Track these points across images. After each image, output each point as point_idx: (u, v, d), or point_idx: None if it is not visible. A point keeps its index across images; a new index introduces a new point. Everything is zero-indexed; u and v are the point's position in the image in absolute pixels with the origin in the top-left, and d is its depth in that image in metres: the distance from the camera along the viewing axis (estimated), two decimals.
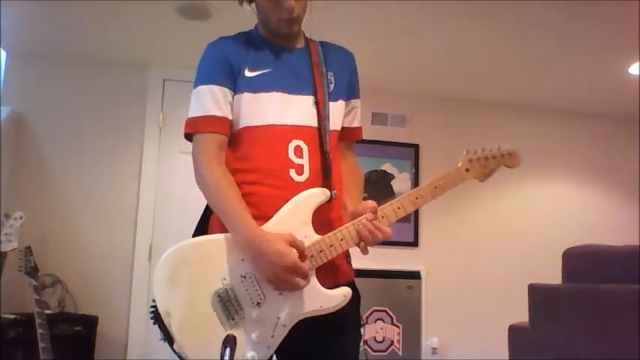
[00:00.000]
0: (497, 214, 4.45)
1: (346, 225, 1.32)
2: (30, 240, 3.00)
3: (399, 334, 3.99)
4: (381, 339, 3.96)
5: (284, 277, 1.22)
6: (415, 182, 4.26)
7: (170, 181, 3.82)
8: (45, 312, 2.73)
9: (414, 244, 4.24)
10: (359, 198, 1.49)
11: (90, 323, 3.28)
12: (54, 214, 3.65)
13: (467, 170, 1.39)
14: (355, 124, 1.56)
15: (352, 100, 1.54)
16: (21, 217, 2.82)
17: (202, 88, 1.40)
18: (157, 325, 1.29)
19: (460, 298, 4.20)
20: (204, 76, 1.42)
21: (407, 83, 4.23)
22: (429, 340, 4.07)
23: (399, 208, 1.35)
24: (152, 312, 1.29)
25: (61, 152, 3.73)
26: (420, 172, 4.31)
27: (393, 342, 3.98)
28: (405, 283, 4.07)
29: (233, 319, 1.25)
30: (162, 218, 3.79)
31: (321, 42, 1.55)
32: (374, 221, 1.30)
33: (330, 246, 1.29)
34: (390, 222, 1.33)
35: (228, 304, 1.25)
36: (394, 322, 4.00)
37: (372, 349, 3.93)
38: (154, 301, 1.28)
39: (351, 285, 1.36)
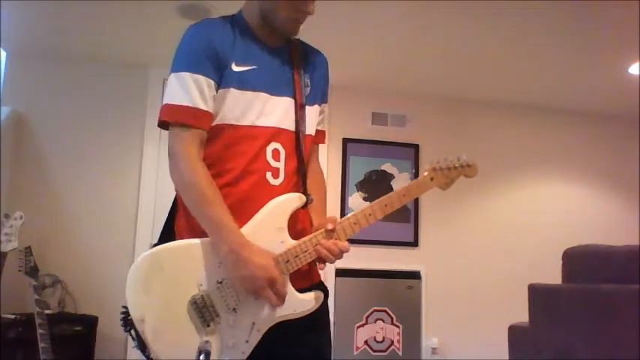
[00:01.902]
0: (497, 214, 4.45)
1: (320, 231, 1.32)
2: (30, 240, 3.00)
3: (399, 334, 3.99)
4: (381, 339, 3.96)
5: (263, 292, 1.22)
6: None
7: (170, 181, 3.79)
8: (45, 312, 2.72)
9: (414, 244, 4.24)
10: (323, 212, 1.49)
11: (90, 323, 3.29)
12: (54, 214, 3.65)
13: (431, 179, 1.45)
14: (320, 128, 1.55)
15: (323, 105, 1.54)
16: (21, 217, 2.82)
17: (186, 75, 1.32)
18: (129, 333, 1.26)
19: (460, 298, 4.19)
20: (189, 62, 1.33)
21: (407, 83, 4.23)
22: (429, 340, 4.07)
23: (369, 214, 1.36)
24: (123, 318, 1.26)
25: (61, 152, 3.73)
26: (419, 172, 4.31)
27: (393, 342, 3.98)
28: (405, 283, 4.07)
29: (208, 325, 1.23)
30: (162, 218, 3.75)
31: (300, 41, 1.53)
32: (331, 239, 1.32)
33: (305, 251, 1.30)
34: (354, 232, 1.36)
35: (203, 310, 1.23)
36: (394, 322, 4.00)
37: (372, 349, 3.93)
38: (125, 307, 1.25)
39: (321, 284, 1.40)
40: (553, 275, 2.77)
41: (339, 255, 1.33)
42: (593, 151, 4.71)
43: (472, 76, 4.06)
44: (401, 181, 4.24)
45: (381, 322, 3.97)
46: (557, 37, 3.38)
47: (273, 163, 1.34)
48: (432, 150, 4.34)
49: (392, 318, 4.00)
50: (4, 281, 2.75)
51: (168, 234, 1.37)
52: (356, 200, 4.07)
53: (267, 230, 1.29)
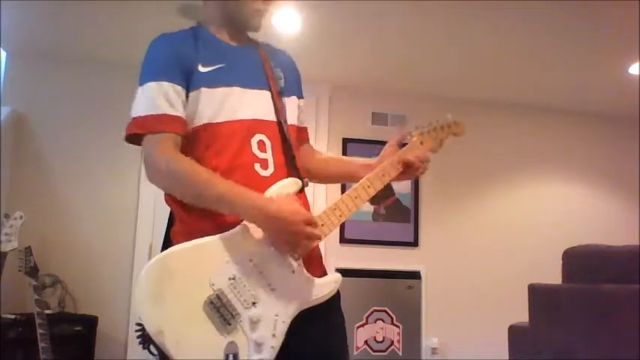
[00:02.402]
0: (497, 215, 4.45)
1: (324, 210, 1.31)
2: (30, 240, 3.00)
3: (399, 334, 3.99)
4: (381, 339, 3.96)
5: (304, 231, 1.20)
6: (415, 181, 4.26)
7: None
8: (45, 312, 2.72)
9: (414, 244, 4.24)
10: (352, 160, 1.56)
11: (90, 323, 3.29)
12: (54, 214, 3.65)
13: (421, 143, 1.48)
14: (304, 125, 1.56)
15: (300, 100, 1.54)
16: (21, 217, 2.82)
17: (151, 84, 1.30)
18: (148, 349, 1.22)
19: (460, 298, 4.20)
20: (152, 72, 1.32)
21: (407, 83, 4.23)
22: (429, 340, 4.07)
23: (383, 175, 1.41)
24: (139, 335, 1.20)
25: (61, 152, 3.73)
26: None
27: (393, 342, 3.98)
28: (405, 283, 4.07)
29: (229, 324, 1.18)
30: (162, 218, 3.74)
31: (262, 42, 1.54)
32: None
33: (322, 224, 1.29)
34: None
35: (221, 310, 1.18)
36: (394, 322, 4.00)
37: (372, 349, 3.93)
38: (139, 324, 1.20)
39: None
40: (553, 275, 2.77)
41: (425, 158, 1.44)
42: (593, 151, 4.71)
43: (472, 76, 4.06)
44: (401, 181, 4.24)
45: (381, 322, 3.97)
46: (557, 37, 3.38)
47: (260, 155, 1.32)
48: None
49: (392, 318, 4.00)
50: (4, 281, 2.75)
51: (167, 244, 1.34)
52: None
53: None
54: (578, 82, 4.11)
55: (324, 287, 1.28)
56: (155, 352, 1.19)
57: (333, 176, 1.60)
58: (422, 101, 4.43)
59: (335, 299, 1.34)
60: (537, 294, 2.75)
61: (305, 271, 1.27)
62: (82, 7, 3.11)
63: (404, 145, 1.49)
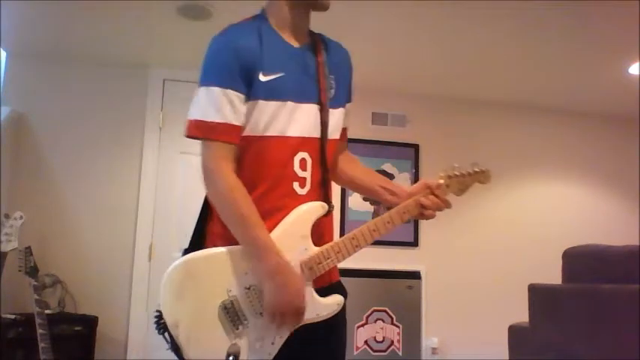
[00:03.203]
0: (497, 215, 4.45)
1: (343, 237, 1.37)
2: (30, 240, 3.00)
3: (399, 334, 3.99)
4: (381, 339, 3.96)
5: (288, 318, 1.27)
6: (415, 182, 4.25)
7: (170, 181, 3.82)
8: (45, 312, 2.72)
9: (414, 244, 4.24)
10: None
11: (90, 323, 3.29)
12: (54, 214, 3.65)
13: (447, 186, 1.52)
14: (344, 125, 1.58)
15: (348, 105, 1.56)
16: (21, 217, 2.82)
17: (217, 90, 1.32)
18: (163, 335, 1.32)
19: (460, 298, 4.20)
20: (219, 76, 1.34)
21: (407, 83, 4.23)
22: (429, 340, 4.07)
23: (404, 212, 1.44)
24: (157, 322, 1.31)
25: (61, 152, 3.73)
26: (420, 172, 4.31)
27: (393, 342, 3.98)
28: (405, 283, 4.07)
29: (237, 328, 1.29)
30: (162, 218, 3.80)
31: (321, 37, 1.53)
32: (434, 193, 1.46)
33: (328, 258, 1.34)
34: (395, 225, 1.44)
35: (233, 315, 1.29)
36: (394, 322, 4.00)
37: (372, 349, 3.93)
38: (158, 312, 1.31)
39: (339, 283, 1.45)
40: (553, 275, 2.77)
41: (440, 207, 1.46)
42: (593, 151, 4.71)
43: (472, 76, 4.06)
44: (401, 181, 4.24)
45: (381, 322, 3.97)
46: (557, 37, 3.38)
47: (300, 173, 1.37)
48: (432, 150, 4.34)
49: (392, 318, 4.00)
50: (4, 281, 2.75)
51: (200, 239, 1.39)
52: (356, 200, 4.07)
53: (292, 238, 1.33)
54: (578, 82, 4.11)
55: (327, 307, 1.35)
56: (169, 339, 1.30)
57: (352, 184, 1.65)
58: (422, 101, 4.43)
59: (338, 320, 1.40)
60: (537, 294, 2.75)
61: (313, 290, 1.33)
62: (82, 7, 3.11)
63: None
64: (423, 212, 1.45)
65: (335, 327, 1.41)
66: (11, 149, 3.55)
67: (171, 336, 1.29)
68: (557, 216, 4.51)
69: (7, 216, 2.81)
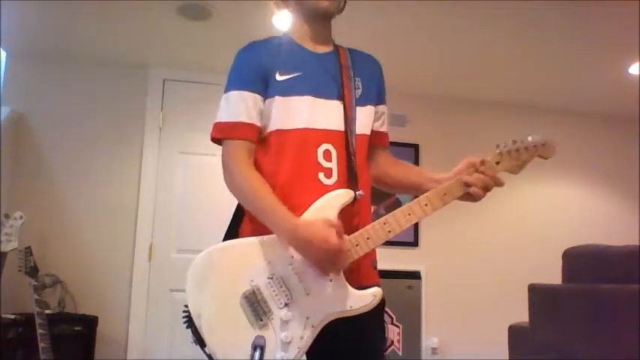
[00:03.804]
0: (497, 214, 4.45)
1: (372, 224, 1.34)
2: (30, 240, 3.00)
3: (399, 334, 3.99)
4: None
5: (331, 259, 1.25)
6: None
7: (170, 181, 3.82)
8: (45, 312, 2.73)
9: (414, 244, 4.24)
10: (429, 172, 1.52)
11: (90, 323, 3.29)
12: (54, 214, 3.65)
13: (497, 163, 1.41)
14: (383, 129, 1.57)
15: (380, 106, 1.55)
16: (21, 217, 2.82)
17: (233, 93, 1.41)
18: (190, 329, 1.31)
19: (460, 298, 4.20)
20: (236, 82, 1.42)
21: (407, 83, 4.22)
22: (429, 340, 4.07)
23: (445, 194, 1.37)
24: (185, 316, 1.31)
25: (61, 152, 3.73)
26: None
27: (393, 342, 3.98)
28: (405, 283, 4.07)
29: (261, 319, 1.26)
30: (162, 218, 3.79)
31: (349, 48, 1.59)
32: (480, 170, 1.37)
33: (357, 245, 1.31)
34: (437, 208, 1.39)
35: (256, 305, 1.27)
36: (394, 322, 4.00)
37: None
38: (186, 306, 1.31)
39: (379, 286, 1.40)
40: (553, 275, 2.77)
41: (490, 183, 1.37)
42: (593, 151, 4.71)
43: (472, 76, 4.06)
44: None
45: None
46: (557, 37, 3.38)
47: (325, 164, 1.37)
48: (432, 150, 4.34)
49: (392, 318, 4.00)
50: (4, 281, 2.75)
51: (231, 236, 1.42)
52: None
53: None
54: (578, 82, 4.11)
55: (361, 299, 1.30)
56: (194, 332, 1.29)
57: (398, 185, 1.60)
58: (422, 101, 4.43)
59: (376, 313, 1.35)
60: (537, 294, 2.75)
61: (344, 280, 1.30)
62: (82, 7, 3.11)
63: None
64: (468, 191, 1.35)
65: (371, 323, 1.36)
66: (11, 149, 3.55)
67: (196, 328, 1.28)
68: (557, 216, 4.51)
69: (7, 216, 2.82)
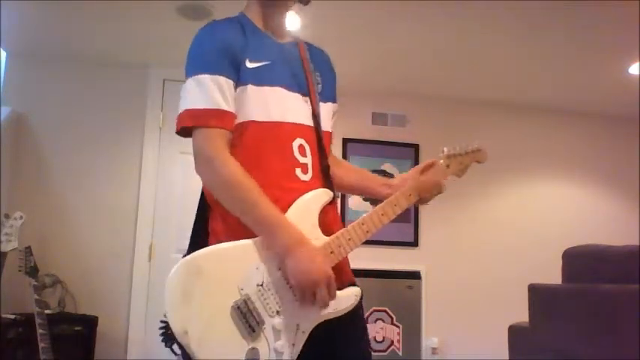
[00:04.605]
0: (497, 214, 4.45)
1: (353, 224, 1.32)
2: (30, 240, 3.00)
3: (399, 334, 3.99)
4: (381, 339, 3.96)
5: (320, 290, 1.19)
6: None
7: (170, 181, 3.82)
8: (45, 312, 2.73)
9: (414, 244, 4.24)
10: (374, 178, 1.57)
11: (90, 323, 3.29)
12: (54, 214, 3.65)
13: (447, 166, 1.49)
14: (332, 129, 1.53)
15: (334, 105, 1.52)
16: (21, 217, 2.82)
17: (205, 77, 1.27)
18: (171, 348, 1.21)
19: (460, 298, 4.19)
20: (206, 64, 1.29)
21: (407, 83, 4.23)
22: (429, 340, 4.07)
23: (410, 194, 1.42)
24: (163, 332, 1.20)
25: (61, 152, 3.73)
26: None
27: (393, 342, 3.98)
28: (405, 283, 4.07)
29: (254, 330, 1.18)
30: (162, 218, 3.80)
31: (304, 42, 1.52)
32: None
33: (340, 246, 1.29)
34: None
35: (247, 315, 1.18)
36: (394, 322, 4.00)
37: (372, 349, 3.93)
38: (163, 322, 1.19)
39: (354, 284, 1.36)
40: (553, 275, 2.77)
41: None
42: (593, 151, 4.71)
43: (472, 76, 4.06)
44: None
45: (381, 322, 3.97)
46: (557, 37, 3.38)
47: (301, 159, 1.32)
48: (432, 150, 4.30)
49: (392, 318, 4.00)
50: (4, 281, 2.75)
51: (200, 238, 1.31)
52: (356, 200, 4.07)
53: (302, 228, 1.25)
54: (578, 82, 4.11)
55: (344, 300, 1.27)
56: (178, 351, 1.18)
57: (349, 187, 1.59)
58: (422, 101, 4.43)
59: (356, 316, 1.33)
60: (537, 294, 2.75)
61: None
62: (82, 7, 3.11)
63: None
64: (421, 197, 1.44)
65: (355, 321, 1.34)
66: (11, 149, 3.55)
67: (181, 347, 1.16)
68: (557, 216, 4.51)
69: (7, 216, 2.82)
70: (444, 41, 3.50)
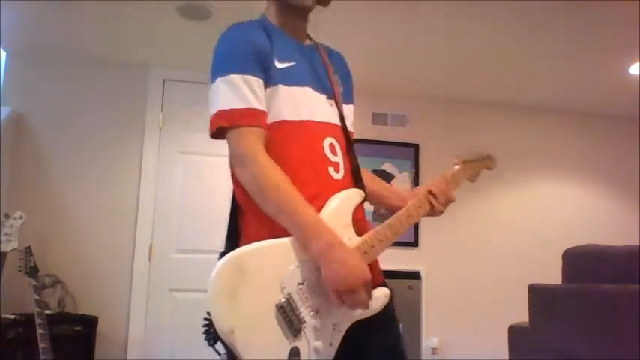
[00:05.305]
0: (497, 214, 4.45)
1: (382, 225, 1.33)
2: (30, 240, 3.00)
3: None
4: None
5: (358, 292, 1.18)
6: (415, 182, 4.26)
7: (170, 181, 3.82)
8: (45, 312, 2.73)
9: (414, 244, 4.24)
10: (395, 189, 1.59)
11: (90, 323, 3.29)
12: (54, 214, 3.65)
13: (463, 170, 1.56)
14: (353, 130, 1.56)
15: (352, 106, 1.55)
16: (21, 217, 2.82)
17: (236, 77, 1.26)
18: (213, 347, 1.20)
19: (460, 298, 4.20)
20: (235, 64, 1.28)
21: (407, 83, 4.23)
22: (429, 340, 4.07)
23: (408, 217, 1.41)
24: (206, 331, 1.18)
25: (61, 152, 3.73)
26: (420, 172, 4.31)
27: None
28: (405, 283, 4.07)
29: (295, 329, 1.18)
30: (162, 218, 3.79)
31: (319, 43, 1.54)
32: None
33: (372, 246, 1.30)
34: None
35: (290, 314, 1.18)
36: None
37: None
38: (206, 319, 1.17)
39: (385, 284, 1.38)
40: (553, 275, 2.77)
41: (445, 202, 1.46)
42: (593, 151, 4.71)
43: (472, 76, 4.06)
44: (401, 181, 4.24)
45: None
46: (556, 37, 3.38)
47: (332, 158, 1.33)
48: (432, 150, 4.34)
49: None
50: (4, 281, 2.75)
51: (235, 237, 1.31)
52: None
53: (335, 228, 1.24)
54: (578, 82, 4.11)
55: (376, 300, 1.28)
56: (221, 350, 1.17)
57: (370, 194, 1.57)
58: (422, 101, 4.43)
59: (389, 315, 1.35)
60: (537, 294, 2.75)
61: None
62: (82, 7, 3.11)
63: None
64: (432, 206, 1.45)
65: (388, 321, 1.36)
66: (11, 149, 3.55)
67: (225, 345, 1.15)
68: (557, 216, 4.51)
69: (7, 216, 2.82)
70: (444, 41, 3.50)
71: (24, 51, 3.74)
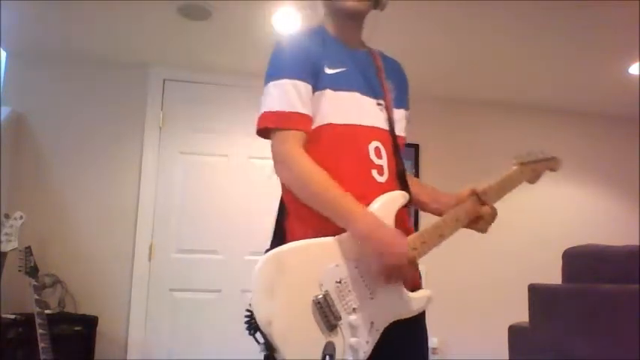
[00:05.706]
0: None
1: (425, 228, 1.37)
2: (30, 240, 3.00)
3: None
4: None
5: (404, 267, 1.24)
6: None
7: (170, 181, 3.82)
8: (45, 312, 2.73)
9: None
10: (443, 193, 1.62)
11: (90, 323, 3.29)
12: (54, 214, 3.65)
13: (521, 173, 1.61)
14: (403, 134, 1.62)
15: (406, 112, 1.64)
16: (21, 217, 2.82)
17: (286, 82, 1.35)
18: (254, 336, 1.24)
19: (460, 298, 4.19)
20: (287, 70, 1.37)
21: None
22: (429, 340, 4.06)
23: (456, 220, 1.45)
24: (248, 322, 1.24)
25: (61, 152, 3.73)
26: (420, 172, 4.31)
27: None
28: None
29: (331, 325, 1.22)
30: (162, 218, 3.79)
31: (375, 49, 1.62)
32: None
33: (414, 249, 1.32)
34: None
35: (327, 311, 1.22)
36: None
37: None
38: (248, 311, 1.23)
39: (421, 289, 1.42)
40: (553, 275, 2.77)
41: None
42: (593, 151, 4.71)
43: (472, 76, 4.06)
44: None
45: None
46: (557, 37, 3.38)
47: (377, 161, 1.38)
48: (432, 150, 4.33)
49: None
50: (4, 281, 2.75)
51: (280, 235, 1.38)
52: None
53: None
54: (578, 82, 4.10)
55: (415, 302, 1.33)
56: (261, 339, 1.22)
57: (422, 203, 1.64)
58: (421, 101, 4.41)
59: (420, 319, 1.40)
60: (537, 294, 2.75)
61: (402, 284, 1.31)
62: (82, 7, 3.11)
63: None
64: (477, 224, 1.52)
65: (421, 324, 1.40)
66: (11, 149, 3.55)
67: (264, 335, 1.21)
68: (557, 216, 4.51)
69: (7, 216, 2.82)
70: (444, 42, 3.50)
71: (24, 51, 3.74)
